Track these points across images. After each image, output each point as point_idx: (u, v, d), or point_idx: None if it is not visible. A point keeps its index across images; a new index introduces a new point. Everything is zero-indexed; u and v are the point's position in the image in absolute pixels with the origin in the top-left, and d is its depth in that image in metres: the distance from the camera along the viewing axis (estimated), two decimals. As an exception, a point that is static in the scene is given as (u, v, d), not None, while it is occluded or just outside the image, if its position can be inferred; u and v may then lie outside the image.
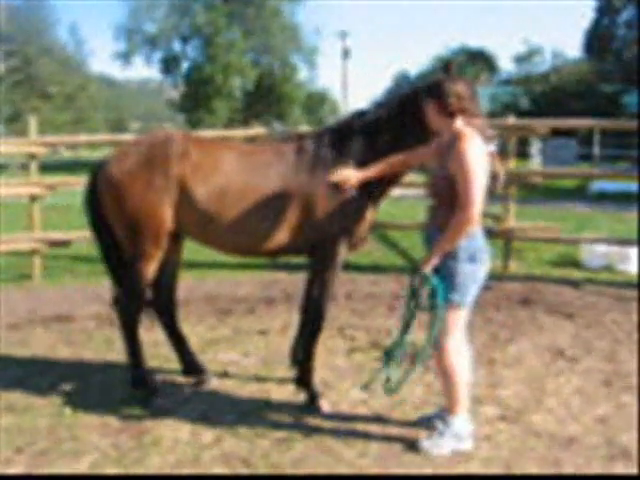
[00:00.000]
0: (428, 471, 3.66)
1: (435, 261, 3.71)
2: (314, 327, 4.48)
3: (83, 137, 11.92)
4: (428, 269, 3.71)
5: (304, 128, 9.55)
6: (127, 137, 8.65)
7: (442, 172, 3.78)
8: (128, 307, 4.61)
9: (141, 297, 4.63)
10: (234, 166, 4.34)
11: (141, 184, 4.31)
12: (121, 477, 3.75)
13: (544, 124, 8.33)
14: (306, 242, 4.36)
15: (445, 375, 3.87)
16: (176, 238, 4.65)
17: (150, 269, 4.52)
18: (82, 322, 6.67)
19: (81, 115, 46.83)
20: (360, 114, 4.40)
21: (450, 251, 3.69)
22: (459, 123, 3.74)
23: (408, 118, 4.16)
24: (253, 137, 9.31)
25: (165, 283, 4.87)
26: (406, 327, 3.92)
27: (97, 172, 4.61)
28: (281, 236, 4.33)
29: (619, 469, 3.68)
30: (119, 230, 4.54)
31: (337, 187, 4.18)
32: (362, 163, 4.23)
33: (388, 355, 3.98)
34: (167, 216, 4.36)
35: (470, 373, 3.96)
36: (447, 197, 3.73)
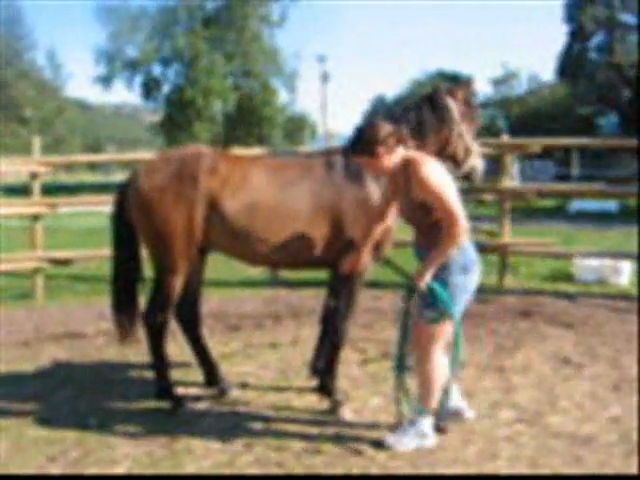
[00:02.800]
0: (458, 470, 3.81)
1: (429, 276, 3.87)
2: (337, 337, 4.63)
3: (85, 157, 11.95)
4: (424, 283, 3.88)
5: (305, 149, 9.73)
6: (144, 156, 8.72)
7: (407, 199, 3.98)
8: (155, 320, 4.70)
9: (168, 310, 4.74)
10: (263, 181, 4.49)
11: (171, 198, 4.44)
12: (134, 477, 3.88)
13: (538, 142, 8.61)
14: (336, 256, 4.52)
15: (424, 377, 4.06)
16: (202, 253, 4.78)
17: (178, 282, 4.63)
18: (92, 339, 6.74)
19: (58, 139, 46.71)
20: None
21: (442, 264, 3.87)
22: (401, 152, 3.95)
23: (428, 122, 4.44)
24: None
25: (190, 296, 4.98)
26: (404, 341, 4.13)
27: (125, 188, 4.74)
28: (312, 250, 4.49)
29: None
30: (148, 245, 4.66)
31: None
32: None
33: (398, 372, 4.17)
34: (197, 230, 4.49)
35: (446, 379, 4.12)
36: (422, 222, 3.97)
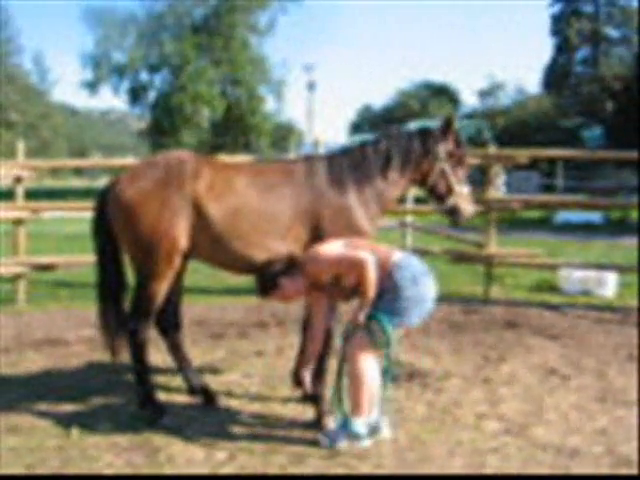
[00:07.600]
0: (444, 481, 3.78)
1: (363, 314, 4.04)
2: (325, 346, 4.58)
3: (71, 162, 11.87)
4: (361, 318, 4.06)
5: (291, 157, 9.71)
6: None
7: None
8: (138, 327, 4.62)
9: (151, 317, 4.66)
10: (247, 186, 4.47)
11: (156, 204, 4.39)
12: (127, 477, 3.83)
13: (525, 153, 8.63)
14: None
15: (353, 379, 4.10)
16: (184, 258, 4.72)
17: (162, 289, 4.57)
18: (73, 346, 6.64)
19: (44, 143, 46.47)
20: (374, 143, 4.73)
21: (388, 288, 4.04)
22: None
23: (417, 151, 4.68)
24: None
25: (171, 304, 4.91)
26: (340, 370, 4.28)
27: (105, 195, 4.67)
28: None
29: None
30: (130, 251, 4.60)
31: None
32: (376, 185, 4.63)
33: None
34: (182, 236, 4.44)
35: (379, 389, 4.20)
36: None
